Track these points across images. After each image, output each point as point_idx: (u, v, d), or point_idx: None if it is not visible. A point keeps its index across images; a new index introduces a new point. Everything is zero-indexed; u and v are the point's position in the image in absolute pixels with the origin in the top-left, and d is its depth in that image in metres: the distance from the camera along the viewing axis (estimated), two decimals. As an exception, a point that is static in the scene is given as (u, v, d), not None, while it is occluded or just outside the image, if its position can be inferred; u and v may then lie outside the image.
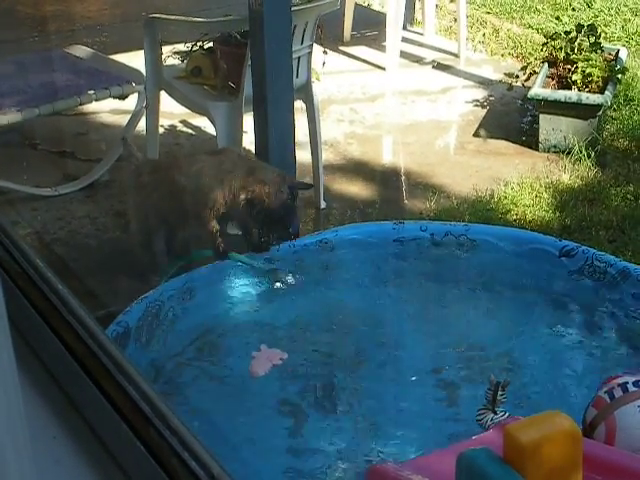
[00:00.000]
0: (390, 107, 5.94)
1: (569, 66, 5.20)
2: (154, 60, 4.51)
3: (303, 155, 4.44)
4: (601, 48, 5.32)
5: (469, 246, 3.64)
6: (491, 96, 5.94)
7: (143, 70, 4.55)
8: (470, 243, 3.64)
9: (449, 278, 3.65)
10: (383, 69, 6.30)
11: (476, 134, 5.45)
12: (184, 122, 5.44)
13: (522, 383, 3.07)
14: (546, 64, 5.36)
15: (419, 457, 2.51)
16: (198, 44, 4.62)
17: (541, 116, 5.16)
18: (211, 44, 4.57)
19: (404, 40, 6.48)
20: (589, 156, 4.96)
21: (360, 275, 3.64)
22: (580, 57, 5.17)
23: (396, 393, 3.10)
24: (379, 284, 3.65)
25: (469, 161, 5.14)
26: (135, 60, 4.88)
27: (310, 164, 4.55)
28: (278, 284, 3.52)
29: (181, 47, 4.90)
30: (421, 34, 6.98)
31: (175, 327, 3.26)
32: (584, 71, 5.10)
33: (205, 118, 4.50)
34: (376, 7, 7.64)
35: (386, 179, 5.03)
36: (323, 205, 4.57)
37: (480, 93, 6.01)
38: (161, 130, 4.96)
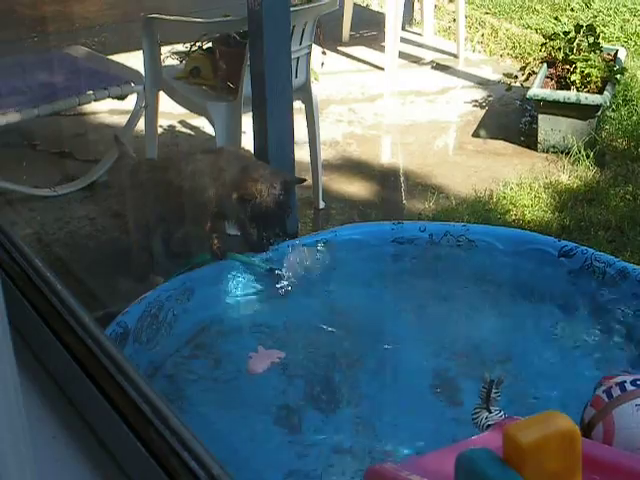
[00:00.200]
0: (389, 107, 5.94)
1: (568, 66, 5.20)
2: (153, 60, 4.51)
3: (302, 155, 4.44)
4: (600, 48, 5.32)
5: (468, 246, 3.64)
6: (490, 96, 5.95)
7: (142, 70, 4.55)
8: (469, 243, 3.64)
9: (448, 278, 3.65)
10: (382, 69, 6.30)
11: (475, 134, 5.46)
12: (183, 122, 5.44)
13: (521, 383, 3.07)
14: (545, 64, 5.37)
15: (418, 457, 2.50)
16: (197, 44, 4.62)
17: (540, 116, 5.16)
18: (210, 44, 4.57)
19: (403, 40, 6.49)
20: (588, 156, 4.96)
21: (359, 275, 3.64)
22: (579, 57, 5.17)
23: (395, 393, 3.10)
24: (378, 284, 3.65)
25: (468, 161, 5.15)
26: (134, 60, 4.88)
27: (309, 164, 4.55)
28: (277, 284, 3.51)
29: (180, 47, 4.91)
30: (420, 34, 6.99)
31: (174, 327, 3.26)
32: (583, 71, 5.10)
33: (204, 118, 4.50)
34: (375, 7, 7.65)
35: (385, 179, 5.03)
36: (322, 205, 4.57)
37: (479, 93, 6.01)
38: (160, 130, 4.96)
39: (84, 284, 3.84)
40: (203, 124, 5.08)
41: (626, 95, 5.67)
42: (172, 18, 4.70)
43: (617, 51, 5.63)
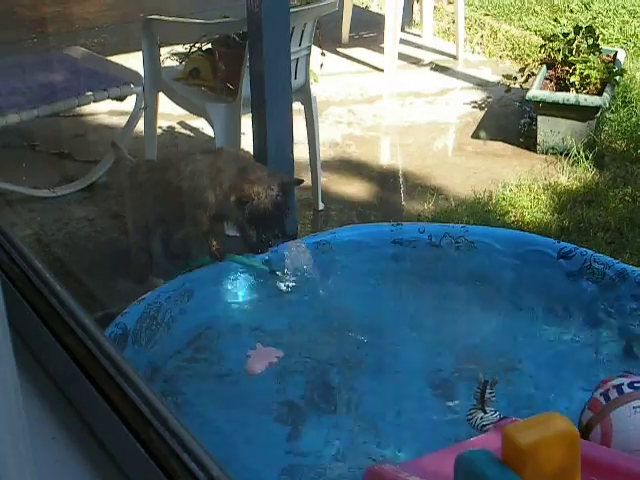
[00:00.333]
0: (388, 109, 5.94)
1: (567, 68, 5.21)
2: (152, 61, 4.51)
3: (301, 156, 4.45)
4: (599, 50, 5.33)
5: (467, 248, 3.64)
6: (489, 98, 5.95)
7: (141, 71, 4.55)
8: (468, 245, 3.64)
9: (447, 279, 3.65)
10: (381, 71, 6.30)
11: (474, 136, 5.46)
12: (182, 123, 5.44)
13: (520, 384, 3.07)
14: (544, 66, 5.37)
15: (417, 458, 2.50)
16: (196, 46, 4.63)
17: (539, 118, 5.16)
18: (209, 46, 4.58)
19: (402, 42, 6.49)
20: (587, 158, 4.96)
21: (358, 276, 3.64)
22: (578, 59, 5.18)
23: (394, 394, 3.10)
24: (377, 285, 3.65)
25: (467, 163, 5.15)
26: (133, 61, 4.88)
27: (308, 165, 4.55)
28: (276, 285, 3.51)
29: (179, 48, 4.91)
30: (419, 36, 6.99)
31: (173, 328, 3.26)
32: (582, 73, 5.10)
33: (203, 119, 4.50)
34: (374, 9, 7.65)
35: (384, 181, 5.03)
36: (321, 206, 4.57)
37: (478, 95, 6.01)
38: (159, 131, 4.96)
39: (83, 285, 3.84)
40: (202, 125, 5.08)
41: (625, 97, 5.68)
42: (171, 19, 4.70)
43: (616, 53, 5.64)
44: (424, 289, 3.62)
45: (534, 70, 5.51)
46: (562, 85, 5.18)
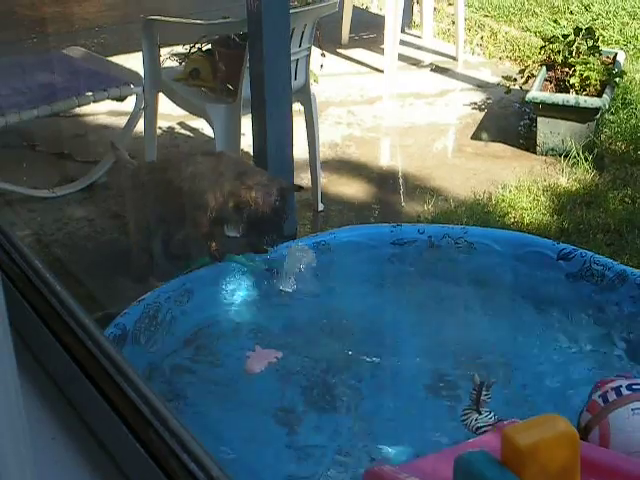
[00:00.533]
0: (388, 110, 5.94)
1: (567, 69, 5.21)
2: (152, 62, 4.51)
3: (301, 157, 4.45)
4: (599, 51, 5.33)
5: (467, 249, 3.64)
6: (489, 99, 5.95)
7: (141, 72, 4.55)
8: (468, 246, 3.64)
9: (447, 281, 3.65)
10: (381, 72, 6.30)
11: (474, 137, 5.46)
12: (182, 124, 5.44)
13: (520, 386, 3.07)
14: (544, 67, 5.37)
15: (417, 460, 2.51)
16: (196, 46, 4.63)
17: (539, 119, 5.16)
18: (209, 46, 4.58)
19: (402, 43, 6.49)
20: (587, 159, 4.96)
21: (357, 277, 3.64)
22: (578, 60, 5.18)
23: (394, 394, 3.10)
24: (376, 286, 3.65)
25: (467, 164, 5.15)
26: (133, 62, 4.89)
27: (308, 166, 4.55)
28: (275, 285, 3.51)
29: (179, 49, 4.90)
30: (419, 37, 6.99)
31: (172, 328, 3.26)
32: (582, 74, 5.10)
33: (203, 120, 4.50)
34: (374, 10, 7.65)
35: (384, 181, 5.03)
36: (321, 207, 4.57)
37: (478, 96, 6.02)
38: (159, 132, 4.96)
39: (83, 285, 3.84)
40: (202, 126, 5.08)
41: (625, 98, 5.68)
42: (172, 20, 4.70)
43: (616, 54, 5.64)
44: (424, 290, 3.62)
45: (534, 71, 5.51)
46: (562, 86, 5.18)
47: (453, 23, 6.83)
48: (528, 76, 5.56)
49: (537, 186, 4.75)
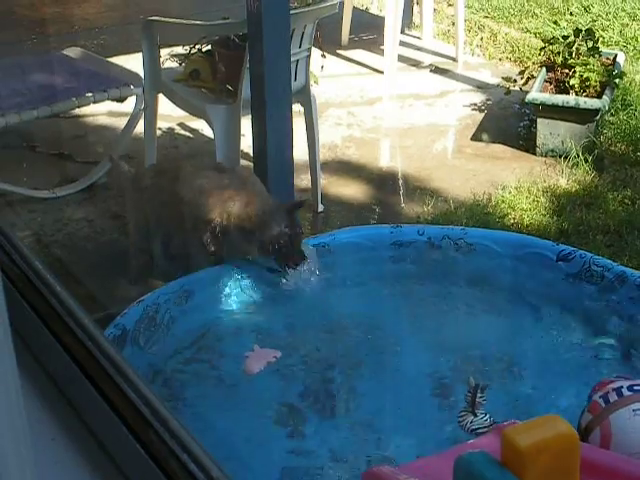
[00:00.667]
0: (388, 111, 5.94)
1: (567, 70, 5.21)
2: (152, 63, 4.51)
3: (301, 158, 4.45)
4: (599, 53, 5.33)
5: (466, 250, 3.64)
6: (489, 100, 5.95)
7: (141, 73, 4.56)
8: (467, 247, 3.64)
9: (446, 281, 3.65)
10: (381, 73, 6.31)
11: (474, 138, 5.46)
12: (182, 125, 5.44)
13: (519, 387, 3.07)
14: (544, 68, 5.37)
15: (416, 460, 2.51)
16: (196, 47, 4.63)
17: (539, 120, 5.16)
18: (209, 47, 4.58)
19: (402, 44, 6.49)
20: (586, 160, 4.97)
21: (357, 278, 3.64)
22: (578, 61, 5.18)
23: (393, 395, 3.10)
24: (376, 287, 3.65)
25: (467, 165, 5.15)
26: (133, 63, 4.89)
27: (308, 167, 4.55)
28: (275, 286, 3.51)
29: (179, 50, 4.90)
30: (419, 38, 6.99)
31: (172, 329, 3.26)
32: (582, 75, 5.11)
33: (203, 121, 4.50)
34: (374, 11, 7.65)
35: (384, 183, 5.03)
36: (321, 208, 4.57)
37: (478, 97, 6.02)
38: (159, 133, 4.97)
39: (83, 285, 3.84)
40: (202, 127, 5.08)
41: (625, 99, 5.68)
42: (171, 20, 4.70)
43: (616, 55, 5.64)
44: (423, 291, 3.62)
45: (534, 73, 5.51)
46: (562, 88, 5.18)
47: (453, 24, 6.84)
48: (528, 77, 5.56)
49: (537, 187, 4.75)
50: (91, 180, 4.71)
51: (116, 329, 3.00)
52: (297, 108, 4.29)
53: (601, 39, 6.18)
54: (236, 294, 3.51)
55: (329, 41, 5.96)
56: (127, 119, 4.76)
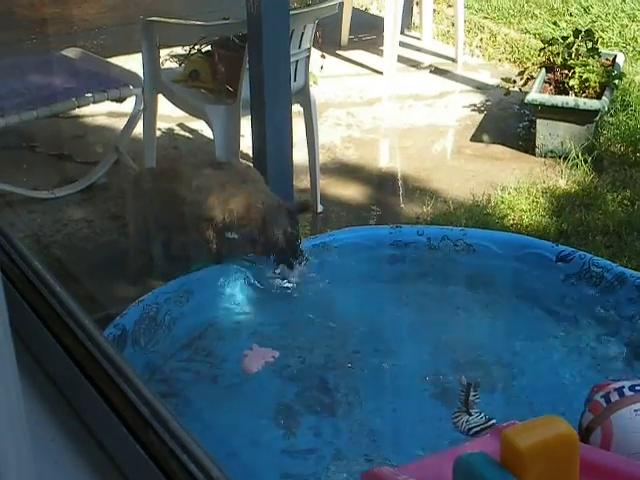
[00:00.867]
0: (387, 111, 5.94)
1: (566, 71, 5.21)
2: (152, 63, 4.51)
3: (300, 158, 4.45)
4: (598, 53, 5.33)
5: (466, 250, 3.64)
6: (488, 101, 5.95)
7: (141, 73, 4.55)
8: (467, 247, 3.64)
9: (446, 282, 3.65)
10: (381, 73, 6.31)
11: (473, 139, 5.46)
12: (182, 125, 5.44)
13: (519, 387, 3.07)
14: (543, 69, 5.37)
15: (416, 461, 2.50)
16: (196, 47, 4.62)
17: (538, 121, 5.17)
18: (209, 47, 4.57)
19: (402, 44, 6.49)
20: (586, 161, 4.97)
21: (356, 279, 3.64)
22: (577, 62, 5.18)
23: (392, 395, 3.10)
24: (376, 288, 3.65)
25: (466, 166, 5.15)
26: (133, 63, 4.88)
27: (307, 167, 4.55)
28: (274, 286, 3.52)
29: (179, 50, 4.90)
30: (419, 38, 6.99)
31: (172, 329, 3.26)
32: (581, 76, 5.11)
33: (203, 121, 4.50)
34: (374, 11, 7.65)
35: (383, 183, 5.03)
36: (320, 209, 4.57)
37: (477, 98, 6.02)
38: (158, 133, 4.96)
39: (82, 286, 3.84)
40: (202, 127, 5.08)
41: (624, 100, 5.68)
42: (171, 21, 4.70)
43: (615, 56, 5.64)
44: (423, 291, 3.62)
45: (533, 73, 5.51)
46: (561, 88, 5.18)
47: (452, 25, 6.84)
48: (527, 78, 5.56)
49: (536, 188, 4.75)
50: (91, 180, 4.71)
51: (116, 329, 3.01)
52: (297, 108, 4.29)
53: (600, 40, 6.18)
54: (236, 294, 3.51)
55: (329, 42, 5.96)
56: (127, 119, 4.76)
